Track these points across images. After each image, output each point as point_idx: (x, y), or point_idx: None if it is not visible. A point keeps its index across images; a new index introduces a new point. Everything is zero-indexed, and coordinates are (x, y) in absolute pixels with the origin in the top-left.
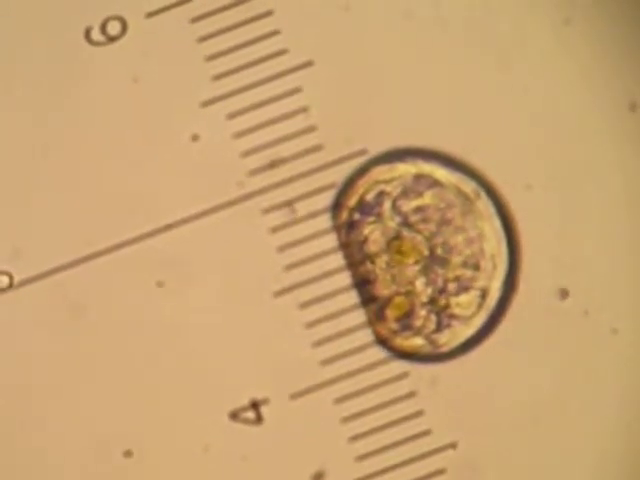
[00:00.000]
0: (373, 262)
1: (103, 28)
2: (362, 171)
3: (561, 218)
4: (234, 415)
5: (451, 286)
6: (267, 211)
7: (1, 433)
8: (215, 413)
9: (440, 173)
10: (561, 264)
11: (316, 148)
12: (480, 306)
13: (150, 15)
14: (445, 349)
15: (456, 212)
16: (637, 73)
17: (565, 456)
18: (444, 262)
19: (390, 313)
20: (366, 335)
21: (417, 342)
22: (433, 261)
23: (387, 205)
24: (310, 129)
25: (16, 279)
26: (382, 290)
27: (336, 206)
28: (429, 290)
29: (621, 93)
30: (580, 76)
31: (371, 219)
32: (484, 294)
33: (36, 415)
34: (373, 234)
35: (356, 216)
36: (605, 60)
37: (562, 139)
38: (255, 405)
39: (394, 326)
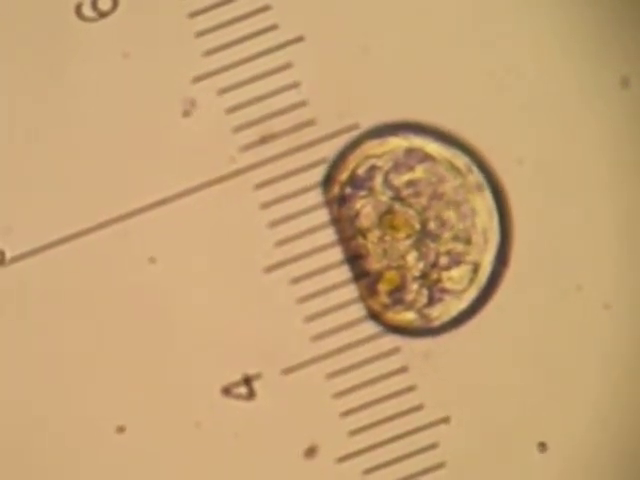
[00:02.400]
0: (365, 237)
1: (94, 3)
2: (353, 145)
3: (552, 192)
4: (226, 391)
5: (443, 260)
6: (258, 186)
7: None
8: (207, 389)
9: (432, 147)
10: (552, 238)
11: (307, 123)
12: (472, 280)
13: None
14: (437, 323)
15: (448, 186)
16: (628, 48)
17: (556, 430)
18: (436, 236)
19: (382, 288)
20: (358, 310)
21: (409, 316)
22: (425, 235)
23: (379, 179)
24: (301, 104)
25: (8, 255)
26: (374, 264)
27: (327, 181)
28: (421, 264)
29: (612, 68)
30: (571, 51)
31: (363, 193)
32: (476, 268)
33: (27, 392)
34: (365, 208)
35: (347, 190)
36: (596, 34)
37: (553, 114)
38: (247, 380)
39: (386, 300)
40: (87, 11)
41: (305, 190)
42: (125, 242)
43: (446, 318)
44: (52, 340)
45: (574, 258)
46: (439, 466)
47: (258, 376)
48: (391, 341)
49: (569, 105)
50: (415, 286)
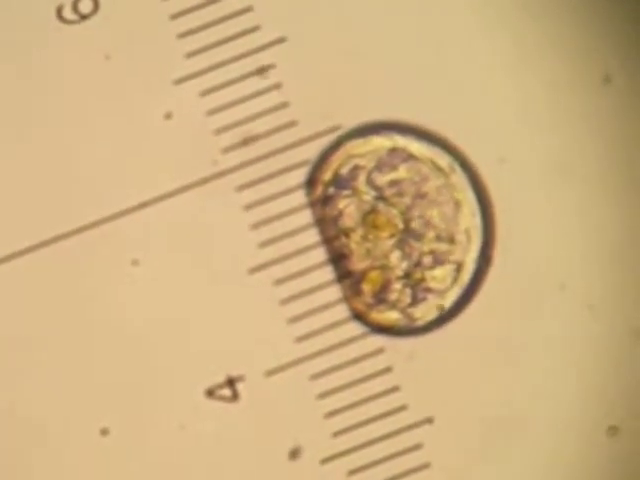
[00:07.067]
0: (348, 236)
1: (75, 6)
2: (336, 145)
3: (534, 191)
4: (210, 392)
5: (426, 260)
6: (241, 188)
7: None
8: (191, 390)
9: (415, 147)
10: (535, 238)
11: (289, 124)
12: (455, 280)
13: None
14: (420, 323)
15: (431, 186)
16: (610, 44)
17: (540, 428)
18: (419, 236)
19: (365, 287)
20: (342, 311)
21: (392, 316)
22: (408, 235)
23: (362, 179)
24: (283, 105)
25: None
26: (357, 264)
27: (310, 181)
28: (404, 264)
29: (594, 65)
30: (553, 48)
31: (346, 193)
32: (459, 268)
33: (10, 395)
34: (348, 208)
35: (331, 190)
36: (577, 32)
37: (535, 113)
38: (231, 382)
39: (369, 300)
40: (68, 14)
41: (288, 191)
42: (108, 245)
43: (429, 318)
44: (35, 343)
45: (557, 257)
46: (423, 466)
47: (242, 378)
48: (375, 341)
49: (551, 103)
50: (398, 286)
